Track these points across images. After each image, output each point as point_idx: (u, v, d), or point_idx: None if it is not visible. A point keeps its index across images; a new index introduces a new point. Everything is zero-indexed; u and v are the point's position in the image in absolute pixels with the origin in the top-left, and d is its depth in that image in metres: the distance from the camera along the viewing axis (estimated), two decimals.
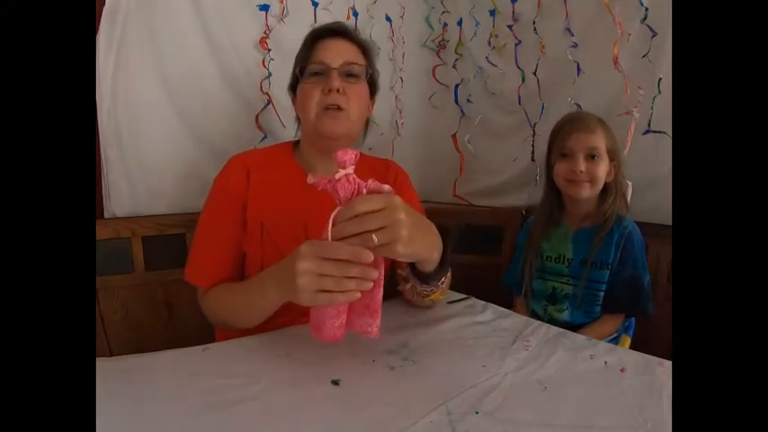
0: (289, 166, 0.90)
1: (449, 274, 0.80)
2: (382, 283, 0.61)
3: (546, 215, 1.16)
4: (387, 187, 0.60)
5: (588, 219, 1.11)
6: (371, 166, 0.95)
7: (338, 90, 0.82)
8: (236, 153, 0.92)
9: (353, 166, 0.59)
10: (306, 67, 0.85)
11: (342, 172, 0.58)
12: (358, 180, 0.59)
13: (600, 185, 1.08)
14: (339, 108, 0.83)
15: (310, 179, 0.60)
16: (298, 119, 0.95)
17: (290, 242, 0.83)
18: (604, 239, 1.07)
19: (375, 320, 0.62)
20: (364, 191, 0.59)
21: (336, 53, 0.85)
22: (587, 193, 1.07)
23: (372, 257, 0.56)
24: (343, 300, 0.58)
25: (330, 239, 0.58)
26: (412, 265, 0.71)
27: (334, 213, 0.59)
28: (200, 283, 0.86)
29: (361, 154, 0.95)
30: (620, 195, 1.10)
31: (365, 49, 0.90)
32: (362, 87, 0.88)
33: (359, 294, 0.58)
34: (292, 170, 0.89)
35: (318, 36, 0.87)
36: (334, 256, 0.56)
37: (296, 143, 0.95)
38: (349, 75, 0.85)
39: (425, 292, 0.77)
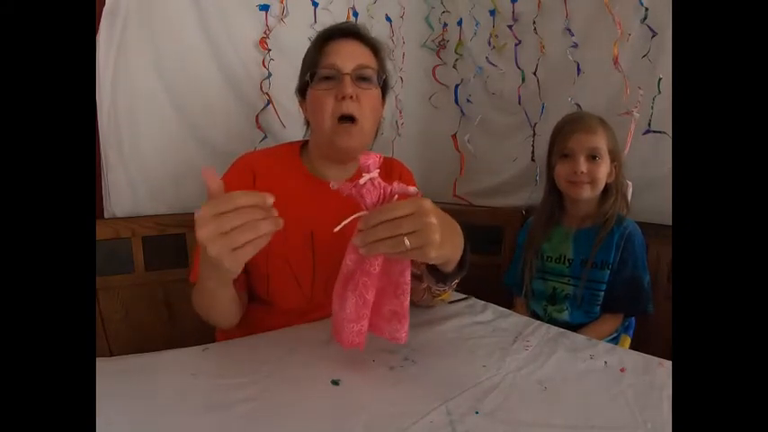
0: (296, 171, 0.88)
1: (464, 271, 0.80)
2: (409, 288, 0.60)
3: (546, 215, 1.16)
4: (413, 189, 0.58)
5: (589, 219, 1.11)
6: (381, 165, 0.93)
7: (351, 97, 0.79)
8: (243, 154, 0.90)
9: (378, 170, 0.57)
10: (316, 71, 0.82)
11: (366, 176, 0.56)
12: (383, 183, 0.57)
13: (601, 186, 1.08)
14: (353, 119, 0.80)
15: (333, 185, 0.58)
16: (307, 122, 0.92)
17: (298, 251, 0.83)
18: (605, 239, 1.07)
19: (404, 326, 0.61)
20: (395, 197, 0.57)
21: (348, 56, 0.82)
22: (588, 194, 1.07)
23: (273, 200, 0.53)
24: (265, 242, 0.53)
25: (359, 245, 0.56)
26: (430, 265, 0.69)
27: (354, 218, 0.57)
28: None
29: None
30: (621, 195, 1.10)
31: (376, 50, 0.87)
32: (375, 93, 0.85)
33: (271, 234, 0.53)
34: (300, 176, 0.87)
35: (328, 37, 0.84)
36: (233, 207, 0.51)
37: (303, 145, 0.93)
38: (361, 79, 0.82)
39: (438, 292, 0.76)
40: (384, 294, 0.61)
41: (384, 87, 0.88)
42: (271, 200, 0.52)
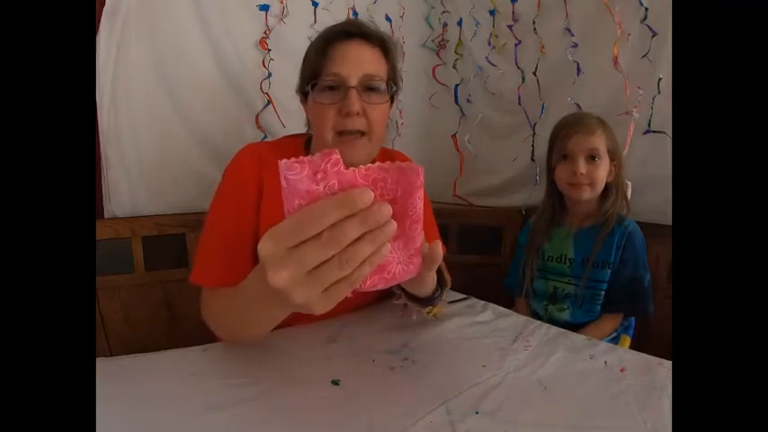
0: None
1: (447, 287, 0.78)
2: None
3: (548, 216, 1.17)
4: None
5: (590, 218, 1.12)
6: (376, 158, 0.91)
7: (357, 113, 0.72)
8: (248, 144, 0.85)
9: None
10: (318, 81, 0.74)
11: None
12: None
13: (601, 187, 1.08)
14: (359, 132, 0.74)
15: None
16: (308, 121, 0.87)
17: None
18: (606, 239, 1.07)
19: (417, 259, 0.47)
20: None
21: (354, 63, 0.73)
22: (588, 195, 1.07)
23: (372, 197, 0.37)
24: (370, 269, 0.39)
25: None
26: (408, 293, 0.69)
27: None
28: (207, 283, 0.75)
29: (381, 151, 0.89)
30: (622, 195, 1.11)
31: (386, 50, 0.78)
32: (384, 106, 0.77)
33: (388, 247, 0.39)
34: None
35: (332, 39, 0.76)
36: (311, 234, 0.37)
37: (308, 140, 0.88)
38: (370, 89, 0.75)
39: (425, 311, 0.75)
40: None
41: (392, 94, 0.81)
42: (369, 197, 0.37)
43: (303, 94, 0.82)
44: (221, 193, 0.79)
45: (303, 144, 0.87)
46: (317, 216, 0.36)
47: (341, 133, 0.74)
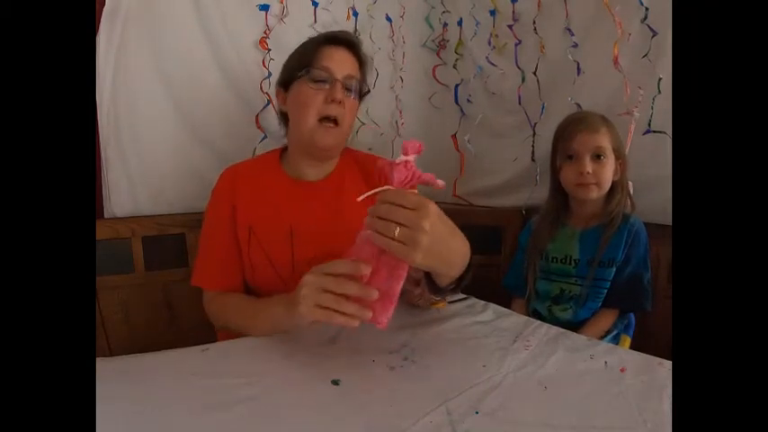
0: (275, 173, 0.93)
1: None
2: (404, 276, 0.61)
3: (552, 217, 1.15)
4: (441, 183, 0.64)
5: (595, 219, 1.11)
6: (360, 160, 0.97)
7: (340, 102, 0.85)
8: (228, 166, 0.96)
9: (415, 156, 0.62)
10: (310, 69, 0.87)
11: (402, 158, 0.62)
12: (415, 168, 0.62)
13: (607, 186, 1.07)
14: (335, 122, 0.86)
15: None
16: (283, 116, 0.96)
17: (277, 246, 0.87)
18: (613, 238, 1.06)
19: (387, 311, 0.61)
20: (427, 183, 0.64)
21: (341, 64, 0.87)
22: (596, 194, 1.06)
23: (369, 271, 0.60)
24: (341, 322, 0.60)
25: (368, 214, 0.60)
26: (428, 273, 0.70)
27: (377, 192, 0.62)
28: (207, 286, 0.89)
29: (349, 150, 0.98)
30: (626, 194, 1.10)
31: (362, 64, 0.93)
32: (355, 101, 0.92)
33: (356, 323, 0.60)
34: (279, 178, 0.92)
35: (328, 41, 0.89)
36: (334, 272, 0.61)
37: (283, 150, 0.97)
38: (347, 89, 0.88)
39: (432, 300, 0.79)
40: (377, 275, 0.61)
41: (360, 97, 0.95)
42: (367, 270, 0.59)
43: (285, 85, 0.92)
44: (208, 211, 0.93)
45: (278, 157, 0.96)
46: (340, 269, 0.61)
47: (321, 120, 0.86)
